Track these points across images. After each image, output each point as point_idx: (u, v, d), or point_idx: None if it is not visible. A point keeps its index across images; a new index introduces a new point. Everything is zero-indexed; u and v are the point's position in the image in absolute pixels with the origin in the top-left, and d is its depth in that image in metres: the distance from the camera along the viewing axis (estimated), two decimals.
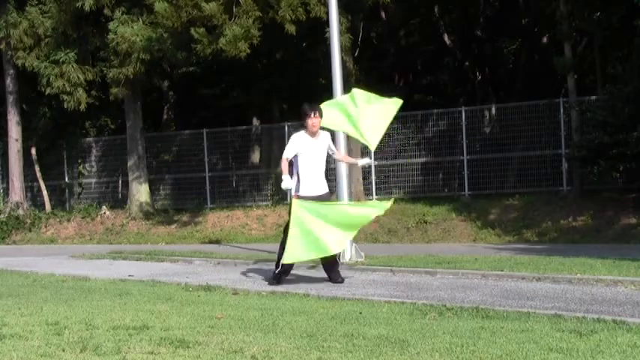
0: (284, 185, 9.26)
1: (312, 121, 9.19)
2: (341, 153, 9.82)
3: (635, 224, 14.52)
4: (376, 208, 9.40)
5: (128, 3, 18.45)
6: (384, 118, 9.86)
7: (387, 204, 9.36)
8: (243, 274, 10.65)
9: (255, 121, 22.71)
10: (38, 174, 22.36)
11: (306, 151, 9.20)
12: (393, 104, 10.02)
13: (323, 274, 9.85)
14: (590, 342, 5.20)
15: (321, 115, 9.26)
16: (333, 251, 9.17)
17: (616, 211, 15.13)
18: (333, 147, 9.57)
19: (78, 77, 19.13)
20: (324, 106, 9.70)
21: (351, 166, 16.17)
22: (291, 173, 9.33)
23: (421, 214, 16.80)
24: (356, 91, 10.06)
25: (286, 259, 9.04)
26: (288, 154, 9.27)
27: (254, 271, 11.06)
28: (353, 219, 9.33)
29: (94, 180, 22.92)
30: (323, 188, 9.30)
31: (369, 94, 10.06)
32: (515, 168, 18.24)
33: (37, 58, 19.63)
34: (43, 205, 22.33)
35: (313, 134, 9.24)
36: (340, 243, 9.33)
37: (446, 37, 23.78)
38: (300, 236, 8.98)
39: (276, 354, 4.98)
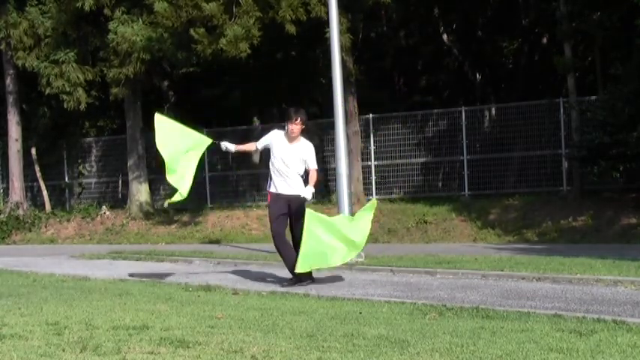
0: (222, 144, 9.45)
1: (292, 126, 9.13)
2: (312, 174, 9.29)
3: (635, 224, 14.52)
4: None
5: (128, 3, 18.44)
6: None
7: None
8: (243, 274, 10.65)
9: (255, 121, 22.72)
10: (38, 174, 22.35)
11: (277, 152, 9.20)
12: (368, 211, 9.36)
13: (322, 274, 9.84)
14: (590, 342, 5.20)
15: (303, 122, 9.17)
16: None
17: (616, 211, 15.12)
18: (310, 162, 9.23)
19: (78, 77, 19.12)
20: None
21: (351, 166, 16.19)
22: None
23: (421, 214, 16.79)
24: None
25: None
26: (258, 143, 9.48)
27: (253, 271, 11.06)
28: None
29: (94, 180, 22.91)
30: (293, 189, 9.15)
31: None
32: (515, 168, 18.23)
33: (37, 58, 19.62)
34: (43, 205, 22.32)
35: (291, 139, 9.20)
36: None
37: (446, 37, 23.77)
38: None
39: (276, 354, 4.98)
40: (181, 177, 9.22)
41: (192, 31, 15.75)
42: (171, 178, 9.24)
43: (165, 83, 24.45)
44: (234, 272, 10.91)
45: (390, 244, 15.70)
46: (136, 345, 5.34)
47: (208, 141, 9.55)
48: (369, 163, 18.97)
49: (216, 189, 21.09)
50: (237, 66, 19.48)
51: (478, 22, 24.06)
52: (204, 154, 9.68)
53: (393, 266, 10.59)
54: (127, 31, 17.58)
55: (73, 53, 19.16)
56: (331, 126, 12.62)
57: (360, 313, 6.72)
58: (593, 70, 18.28)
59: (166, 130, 9.46)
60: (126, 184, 21.43)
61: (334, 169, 13.22)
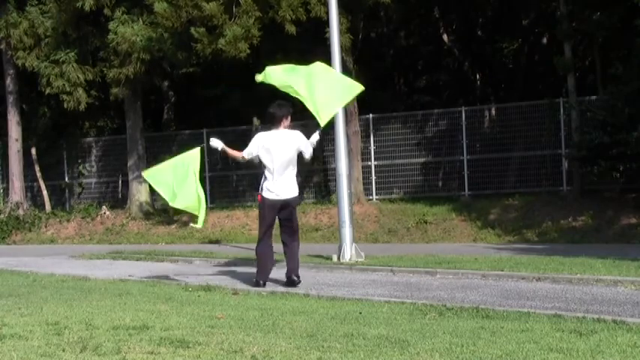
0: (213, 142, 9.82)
1: None
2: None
3: (635, 224, 14.52)
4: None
5: (128, 3, 18.45)
6: (339, 97, 9.30)
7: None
8: (243, 274, 10.65)
9: (255, 121, 22.70)
10: (38, 174, 22.35)
11: None
12: (354, 88, 9.41)
13: (322, 274, 9.86)
14: (590, 342, 5.20)
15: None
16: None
17: (616, 211, 15.12)
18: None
19: (78, 77, 19.12)
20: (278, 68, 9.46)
21: (351, 166, 16.18)
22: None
23: (421, 214, 16.79)
24: (317, 65, 9.59)
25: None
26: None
27: (254, 271, 11.04)
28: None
29: (94, 180, 22.91)
30: None
31: (330, 69, 9.82)
32: (515, 168, 18.23)
33: (37, 58, 19.62)
34: (43, 205, 22.32)
35: None
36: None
37: (445, 38, 23.78)
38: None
39: (276, 354, 4.98)
40: (186, 198, 9.22)
41: (192, 30, 15.75)
42: (176, 202, 9.27)
43: (166, 83, 24.46)
44: (234, 272, 10.91)
45: (390, 244, 15.70)
46: (136, 345, 5.34)
47: (197, 151, 9.62)
48: (369, 163, 18.97)
49: (216, 189, 21.08)
50: (237, 66, 19.46)
51: (478, 22, 24.06)
52: (202, 159, 9.79)
53: (393, 266, 10.59)
54: (127, 32, 17.58)
55: (73, 53, 19.16)
56: (331, 126, 12.62)
57: (360, 313, 6.72)
58: (593, 70, 18.28)
59: (159, 177, 9.55)
60: (126, 184, 21.43)
61: (334, 169, 13.22)
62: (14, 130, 21.63)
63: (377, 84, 23.13)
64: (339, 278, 9.95)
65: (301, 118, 12.49)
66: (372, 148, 19.07)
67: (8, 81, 21.52)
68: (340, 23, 13.38)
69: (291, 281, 8.97)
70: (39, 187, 22.60)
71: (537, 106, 17.80)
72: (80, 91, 19.29)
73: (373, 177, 18.91)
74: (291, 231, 9.12)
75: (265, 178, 9.08)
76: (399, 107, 22.01)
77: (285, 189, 8.97)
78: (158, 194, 21.98)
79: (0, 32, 20.07)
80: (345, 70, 15.67)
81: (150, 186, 20.78)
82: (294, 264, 9.07)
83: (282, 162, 8.97)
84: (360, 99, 18.38)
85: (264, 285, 8.93)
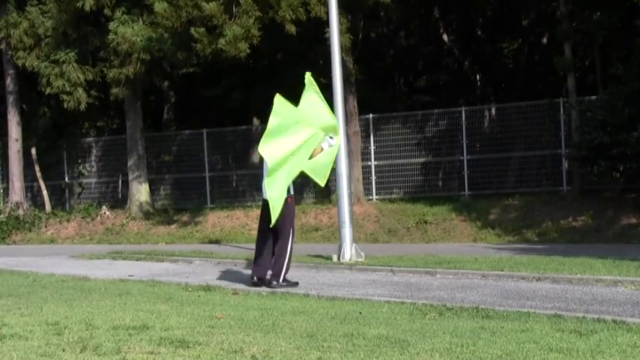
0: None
1: None
2: None
3: (635, 224, 14.52)
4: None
5: (128, 3, 18.45)
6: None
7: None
8: (243, 274, 10.65)
9: (255, 121, 22.72)
10: (38, 174, 22.35)
11: None
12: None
13: (322, 274, 9.84)
14: (590, 342, 5.21)
15: None
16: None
17: (616, 211, 15.12)
18: None
19: (78, 77, 19.11)
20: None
21: (351, 166, 16.18)
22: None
23: (421, 214, 16.79)
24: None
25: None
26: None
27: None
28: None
29: (94, 180, 22.91)
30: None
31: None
32: (515, 168, 18.23)
33: (37, 58, 19.62)
34: (43, 205, 22.32)
35: None
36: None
37: (445, 37, 23.78)
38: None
39: (276, 354, 4.98)
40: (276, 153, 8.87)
41: (192, 30, 15.76)
42: (263, 148, 8.92)
43: (166, 83, 24.46)
44: (234, 272, 10.91)
45: (390, 244, 15.70)
46: (136, 345, 5.34)
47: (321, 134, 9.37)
48: (369, 163, 18.97)
49: (216, 189, 21.09)
50: (237, 66, 19.46)
51: (478, 22, 24.06)
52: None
53: (393, 266, 10.59)
54: (127, 32, 17.58)
55: (73, 53, 19.15)
56: None
57: (360, 313, 6.72)
58: (593, 70, 18.29)
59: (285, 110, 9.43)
60: (126, 184, 21.42)
61: (334, 169, 13.21)
62: (14, 130, 21.63)
63: (377, 84, 23.16)
64: (339, 278, 9.95)
65: None
66: (372, 148, 19.06)
67: (8, 81, 21.52)
68: (340, 23, 13.38)
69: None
70: (39, 187, 22.60)
71: (537, 106, 17.80)
72: (80, 91, 19.28)
73: (373, 177, 18.91)
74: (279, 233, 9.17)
75: None
76: (399, 107, 22.02)
77: (266, 189, 9.01)
78: (158, 194, 22.19)
79: (0, 32, 20.07)
80: (345, 70, 15.70)
81: (150, 186, 20.89)
82: (272, 267, 9.07)
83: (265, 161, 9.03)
84: (360, 99, 18.48)
85: (258, 282, 8.95)
